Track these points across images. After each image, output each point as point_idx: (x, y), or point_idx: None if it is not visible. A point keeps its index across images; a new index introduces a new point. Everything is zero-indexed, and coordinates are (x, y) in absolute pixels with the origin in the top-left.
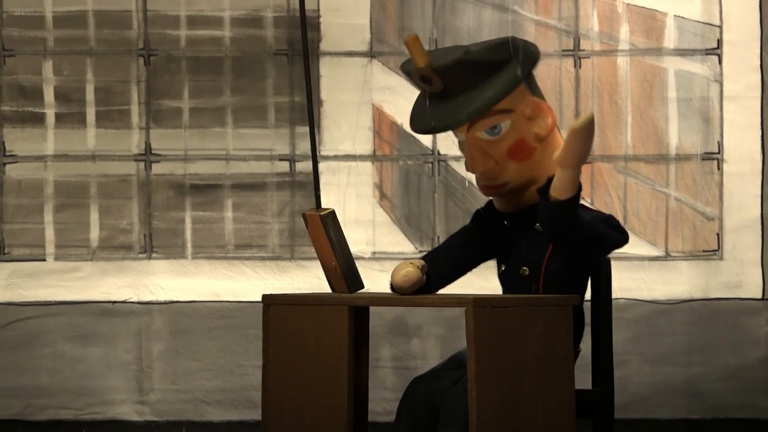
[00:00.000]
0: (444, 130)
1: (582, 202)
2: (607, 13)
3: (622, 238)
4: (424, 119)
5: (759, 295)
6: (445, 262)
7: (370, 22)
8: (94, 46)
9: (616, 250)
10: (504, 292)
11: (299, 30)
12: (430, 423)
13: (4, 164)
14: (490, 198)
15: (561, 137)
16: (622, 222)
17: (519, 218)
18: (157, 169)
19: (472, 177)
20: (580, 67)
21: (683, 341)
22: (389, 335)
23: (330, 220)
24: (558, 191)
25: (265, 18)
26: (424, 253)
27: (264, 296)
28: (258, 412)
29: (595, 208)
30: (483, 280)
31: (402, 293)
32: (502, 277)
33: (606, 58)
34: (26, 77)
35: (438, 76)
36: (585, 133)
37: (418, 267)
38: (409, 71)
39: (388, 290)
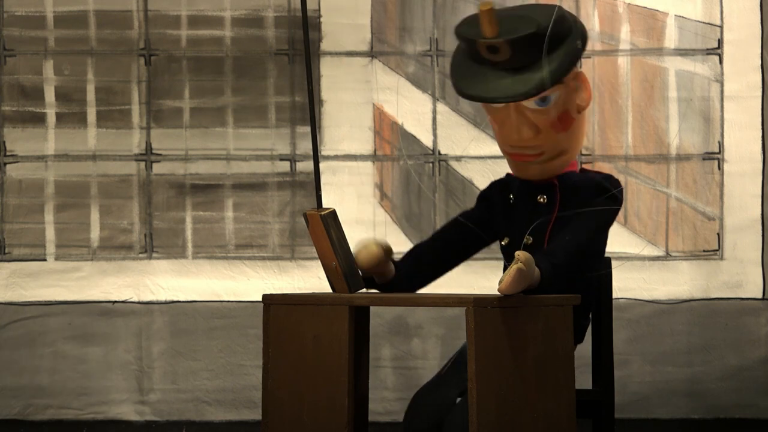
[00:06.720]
0: (514, 100)
1: (582, 166)
2: (608, 12)
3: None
4: (485, 88)
5: (759, 295)
6: (431, 252)
7: (371, 21)
8: (95, 46)
9: (616, 249)
10: (506, 264)
11: (300, 30)
12: None
13: (5, 164)
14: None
15: None
16: (622, 222)
17: (528, 188)
18: (157, 168)
19: (472, 177)
20: (580, 66)
21: (683, 341)
22: (389, 335)
23: (331, 219)
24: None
25: (266, 18)
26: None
27: (264, 296)
28: (258, 412)
29: (592, 170)
30: (484, 280)
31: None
32: (506, 249)
33: (607, 57)
34: (27, 77)
35: (509, 47)
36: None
37: (380, 245)
38: (466, 36)
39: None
